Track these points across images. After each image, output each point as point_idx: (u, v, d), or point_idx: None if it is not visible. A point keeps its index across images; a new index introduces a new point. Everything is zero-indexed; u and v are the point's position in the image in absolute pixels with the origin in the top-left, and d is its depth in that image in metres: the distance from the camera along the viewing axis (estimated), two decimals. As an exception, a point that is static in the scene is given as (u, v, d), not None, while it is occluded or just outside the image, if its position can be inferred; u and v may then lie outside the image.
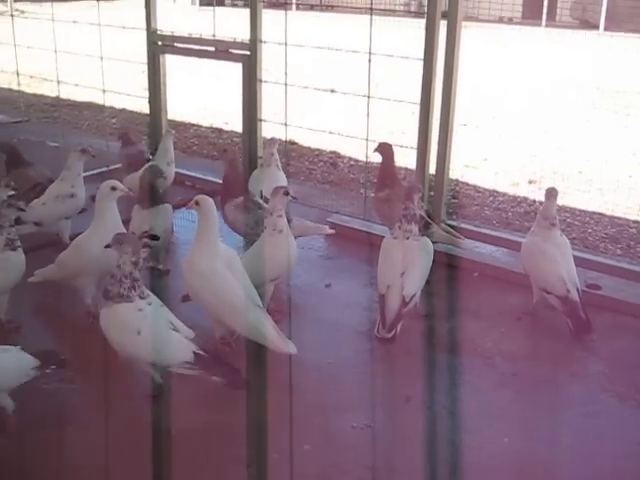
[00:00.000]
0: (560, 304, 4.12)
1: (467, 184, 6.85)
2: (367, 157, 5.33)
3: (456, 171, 6.36)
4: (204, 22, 6.31)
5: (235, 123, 8.55)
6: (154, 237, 4.33)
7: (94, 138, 7.72)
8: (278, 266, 4.07)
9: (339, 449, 3.26)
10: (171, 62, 6.28)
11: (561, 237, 4.28)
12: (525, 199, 6.62)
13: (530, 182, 7.02)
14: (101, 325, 3.48)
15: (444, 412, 3.50)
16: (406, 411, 3.52)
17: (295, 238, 4.24)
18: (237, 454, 3.18)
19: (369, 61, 5.08)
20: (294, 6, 16.72)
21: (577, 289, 4.14)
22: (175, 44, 6.05)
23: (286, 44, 5.39)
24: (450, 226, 5.04)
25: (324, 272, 4.84)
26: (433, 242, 4.29)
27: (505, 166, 7.46)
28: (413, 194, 4.09)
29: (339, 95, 5.86)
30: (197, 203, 3.70)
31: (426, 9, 4.92)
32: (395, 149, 4.98)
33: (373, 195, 5.08)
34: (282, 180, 5.24)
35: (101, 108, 9.05)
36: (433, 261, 4.17)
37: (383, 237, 4.76)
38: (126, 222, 4.37)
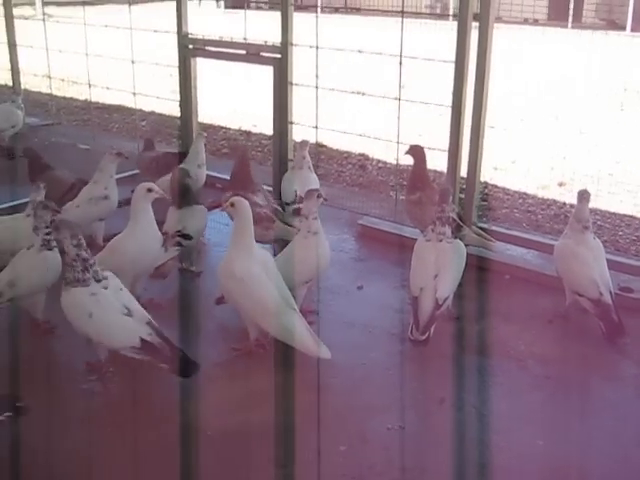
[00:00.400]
0: (593, 307, 4.11)
1: (496, 186, 6.84)
2: (398, 159, 5.34)
3: (485, 173, 6.34)
4: (229, 25, 6.37)
5: (264, 125, 8.59)
6: (187, 236, 4.40)
7: (124, 140, 7.80)
8: (312, 268, 4.09)
9: (374, 450, 3.27)
10: (199, 65, 6.33)
11: (594, 240, 4.26)
12: (555, 201, 6.60)
13: (560, 184, 7.00)
14: (62, 307, 3.62)
15: (477, 414, 3.51)
16: (440, 413, 3.53)
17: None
18: (273, 454, 3.20)
19: (400, 64, 5.09)
20: (319, 9, 16.80)
21: (610, 292, 4.12)
22: (206, 47, 6.09)
23: (317, 47, 5.42)
24: (481, 229, 5.04)
25: (355, 274, 4.85)
26: (465, 245, 4.29)
27: (534, 168, 7.43)
28: (448, 196, 4.10)
29: (366, 97, 5.88)
30: (232, 205, 3.72)
31: (457, 11, 4.91)
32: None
33: (404, 197, 5.09)
34: (314, 182, 5.28)
35: (130, 111, 9.18)
36: (465, 264, 4.18)
37: (414, 239, 4.78)
38: (160, 223, 4.42)
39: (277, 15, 5.55)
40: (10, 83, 8.90)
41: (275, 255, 4.29)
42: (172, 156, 5.92)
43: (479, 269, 4.73)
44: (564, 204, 6.50)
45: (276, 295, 3.71)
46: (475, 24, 4.80)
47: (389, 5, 21.07)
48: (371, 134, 5.78)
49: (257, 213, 4.68)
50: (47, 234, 4.01)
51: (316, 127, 5.62)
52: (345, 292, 4.61)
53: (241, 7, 22.82)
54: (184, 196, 4.65)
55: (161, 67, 6.78)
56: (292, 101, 5.69)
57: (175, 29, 6.22)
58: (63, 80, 8.15)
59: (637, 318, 4.29)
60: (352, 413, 3.51)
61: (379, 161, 7.52)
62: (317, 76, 5.49)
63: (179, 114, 6.53)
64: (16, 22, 8.40)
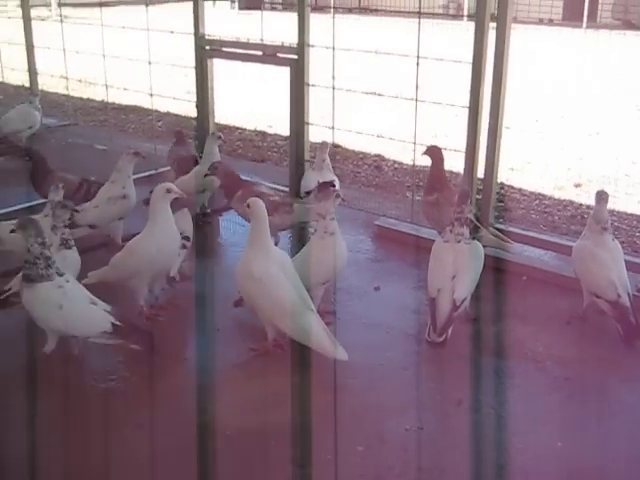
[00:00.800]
0: (610, 309, 4.09)
1: (512, 187, 6.82)
2: (414, 160, 5.34)
3: (501, 174, 6.33)
4: (244, 26, 6.38)
5: (279, 126, 8.63)
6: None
7: (141, 141, 7.83)
8: (329, 269, 4.10)
9: (392, 451, 3.27)
10: (215, 65, 6.35)
11: (613, 242, 4.25)
12: (571, 202, 6.58)
13: (576, 185, 6.98)
14: (25, 304, 3.67)
15: (495, 415, 3.50)
16: (457, 414, 3.52)
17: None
18: (291, 454, 3.21)
19: (417, 64, 5.09)
20: (333, 10, 16.79)
21: (628, 294, 4.10)
22: (222, 48, 6.11)
23: (334, 48, 5.43)
24: (498, 230, 5.03)
25: (372, 275, 4.86)
26: (482, 246, 4.29)
27: (549, 169, 7.42)
28: (466, 198, 4.10)
29: (380, 98, 5.88)
30: (248, 206, 3.73)
31: (472, 12, 4.92)
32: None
33: (421, 198, 5.08)
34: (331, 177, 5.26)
35: (147, 111, 9.23)
36: (483, 265, 4.17)
37: (431, 240, 4.78)
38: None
39: (291, 16, 5.57)
40: (27, 84, 8.98)
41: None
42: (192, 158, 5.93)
43: (496, 270, 4.72)
44: (580, 205, 6.48)
45: (294, 295, 3.72)
46: (492, 24, 4.79)
47: (402, 6, 21.11)
48: (386, 135, 5.78)
49: (272, 201, 4.74)
50: (65, 233, 4.07)
51: (332, 128, 5.62)
52: (362, 293, 4.61)
53: (255, 8, 22.92)
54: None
55: (176, 68, 6.80)
56: (309, 102, 5.70)
57: (191, 30, 6.26)
58: (80, 81, 8.18)
59: (655, 320, 4.28)
60: (370, 413, 3.51)
61: (395, 162, 7.52)
62: (333, 77, 5.49)
63: (195, 115, 6.56)
64: (32, 23, 8.46)
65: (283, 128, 8.46)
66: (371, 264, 5.05)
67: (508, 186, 6.82)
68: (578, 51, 14.96)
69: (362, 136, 6.41)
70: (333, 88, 5.52)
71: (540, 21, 21.10)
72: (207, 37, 6.18)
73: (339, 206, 4.39)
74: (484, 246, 4.35)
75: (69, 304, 3.64)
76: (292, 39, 5.66)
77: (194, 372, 3.91)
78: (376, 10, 19.21)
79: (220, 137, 5.75)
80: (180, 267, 4.48)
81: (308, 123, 5.74)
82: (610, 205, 4.36)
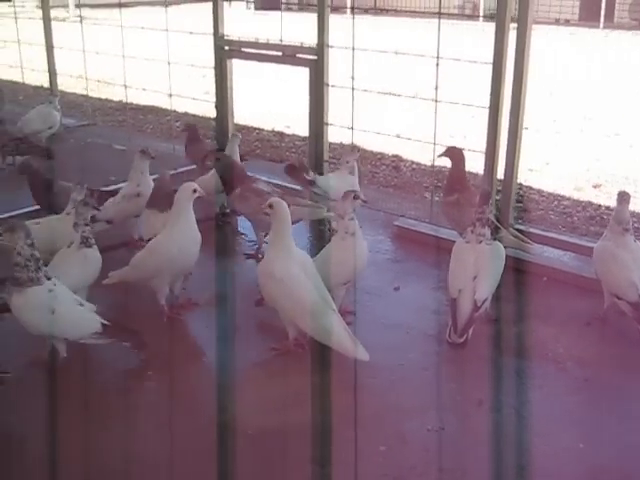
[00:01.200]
0: (631, 310, 4.08)
1: (531, 188, 6.80)
2: (433, 161, 5.34)
3: (519, 175, 6.32)
4: (260, 26, 6.40)
5: (296, 126, 8.65)
6: None
7: (159, 141, 7.87)
8: (349, 269, 4.10)
9: (414, 451, 3.28)
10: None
11: (634, 243, 4.23)
12: (590, 203, 6.56)
13: (595, 186, 6.96)
14: (14, 310, 3.64)
15: (516, 416, 3.49)
16: (479, 415, 3.52)
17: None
18: (313, 454, 3.22)
19: (437, 65, 5.09)
20: (348, 10, 16.78)
21: (649, 295, 4.10)
22: (242, 49, 6.13)
23: (353, 48, 5.44)
24: (518, 230, 5.03)
25: (392, 275, 4.86)
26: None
27: (568, 170, 7.40)
28: (488, 198, 4.10)
29: (395, 98, 5.89)
30: (271, 206, 3.74)
31: (488, 12, 4.92)
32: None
33: (441, 199, 5.08)
34: (353, 185, 5.21)
35: (164, 112, 9.27)
36: (504, 266, 4.17)
37: (450, 241, 4.79)
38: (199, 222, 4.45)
39: (307, 16, 5.58)
40: (46, 85, 9.04)
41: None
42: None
43: (516, 271, 4.71)
44: (599, 206, 6.45)
45: (315, 295, 3.73)
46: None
47: (417, 6, 21.07)
48: (404, 135, 5.79)
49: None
50: (85, 231, 4.08)
51: (352, 128, 5.63)
52: (382, 293, 4.61)
53: (270, 8, 22.95)
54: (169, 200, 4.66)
55: (194, 68, 6.82)
56: (328, 102, 5.71)
57: (208, 30, 6.30)
58: (99, 81, 8.22)
59: (677, 321, 4.26)
60: (391, 414, 3.52)
61: (413, 162, 7.52)
62: (353, 77, 5.50)
63: (214, 115, 6.59)
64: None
65: (301, 128, 8.49)
66: (391, 264, 5.05)
67: (527, 187, 6.80)
68: (595, 51, 14.91)
69: (380, 136, 6.41)
70: (353, 89, 5.52)
71: (556, 21, 21.01)
72: (226, 37, 6.20)
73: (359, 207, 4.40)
74: (504, 247, 4.34)
75: (61, 308, 3.64)
76: (308, 39, 5.68)
77: (215, 371, 3.94)
78: (392, 11, 19.21)
79: (236, 136, 5.81)
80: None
81: (327, 124, 5.75)
82: (631, 206, 4.34)
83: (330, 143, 5.93)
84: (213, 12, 6.21)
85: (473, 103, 5.07)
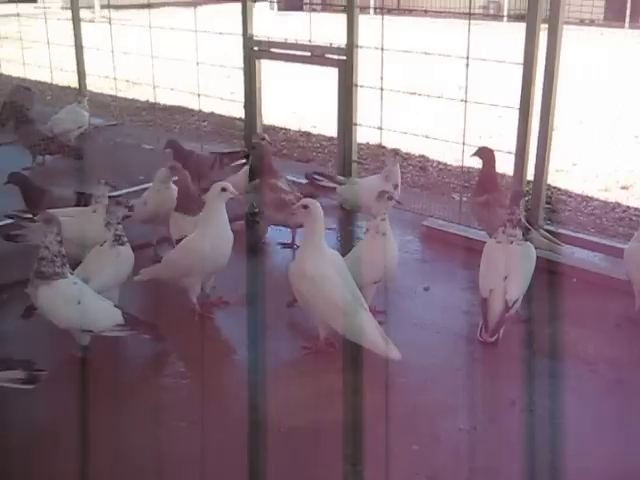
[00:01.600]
0: (663, 311, 4.07)
1: (559, 189, 6.77)
2: (463, 161, 5.34)
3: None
4: (284, 26, 6.43)
5: (323, 126, 8.67)
6: None
7: (187, 140, 7.90)
8: (380, 268, 4.11)
9: (447, 451, 3.28)
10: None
11: (667, 243, 4.22)
12: (618, 204, 6.52)
13: (623, 187, 6.93)
14: (40, 301, 3.67)
15: (549, 417, 3.49)
16: (510, 415, 3.51)
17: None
18: (345, 452, 3.22)
19: (467, 65, 5.09)
20: (372, 10, 16.77)
21: (681, 297, 4.08)
22: (271, 49, 6.16)
23: (382, 49, 5.45)
24: (547, 231, 5.01)
25: (422, 275, 4.87)
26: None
27: (596, 171, 7.37)
28: (519, 198, 4.10)
29: (419, 98, 5.89)
30: (306, 207, 3.75)
31: (512, 12, 4.92)
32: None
33: (470, 199, 5.07)
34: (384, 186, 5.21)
35: (190, 112, 9.33)
36: (534, 266, 4.17)
37: (479, 241, 4.81)
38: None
39: (330, 16, 5.60)
40: (73, 85, 9.13)
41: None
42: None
43: (546, 272, 4.69)
44: (628, 207, 6.42)
45: (347, 294, 3.74)
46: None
47: (438, 6, 21.01)
48: (429, 135, 5.79)
49: (282, 199, 4.92)
50: (118, 229, 4.11)
51: (380, 128, 5.65)
52: (412, 293, 4.62)
53: (294, 9, 22.98)
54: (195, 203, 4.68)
55: (217, 68, 6.86)
56: (357, 103, 5.73)
57: (232, 31, 6.34)
58: (128, 81, 8.28)
59: None
60: (423, 413, 3.52)
61: (439, 162, 7.51)
62: (382, 78, 5.51)
63: (240, 115, 6.62)
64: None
65: (327, 128, 8.52)
66: (420, 264, 5.05)
67: (554, 188, 6.77)
68: (621, 52, 14.81)
69: (405, 136, 6.40)
70: (381, 89, 5.54)
71: (581, 22, 20.88)
72: (255, 38, 6.23)
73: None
74: (536, 248, 4.34)
75: (86, 300, 3.70)
76: (332, 39, 5.70)
77: (246, 369, 3.95)
78: (416, 11, 19.18)
79: (264, 138, 5.81)
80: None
81: (356, 124, 5.77)
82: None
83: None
84: (242, 13, 6.26)
85: (499, 103, 5.08)
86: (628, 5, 19.94)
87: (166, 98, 9.31)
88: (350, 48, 5.59)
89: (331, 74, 5.95)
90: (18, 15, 9.44)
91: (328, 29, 5.83)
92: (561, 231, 5.17)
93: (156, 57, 7.22)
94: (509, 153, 5.05)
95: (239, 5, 6.40)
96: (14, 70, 10.23)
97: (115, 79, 7.79)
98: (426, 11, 10.20)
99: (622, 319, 4.31)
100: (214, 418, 3.47)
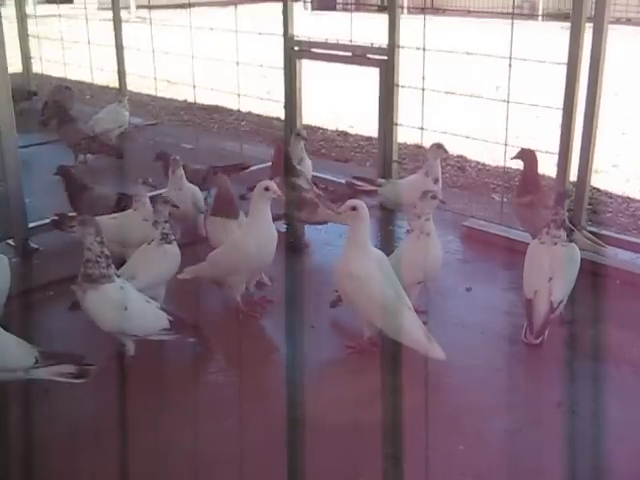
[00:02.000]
0: None
1: (599, 190, 6.72)
2: (505, 162, 5.33)
3: (587, 177, 6.28)
4: (318, 26, 6.45)
5: (360, 126, 8.69)
6: None
7: (225, 140, 7.97)
8: (424, 268, 4.13)
9: (492, 451, 3.28)
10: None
11: None
12: (660, 206, 6.47)
13: (664, 189, 6.86)
14: (87, 306, 3.68)
15: (593, 419, 3.47)
16: (555, 416, 3.50)
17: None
18: (391, 451, 3.24)
19: (509, 66, 5.07)
20: (405, 10, 16.71)
21: None
22: (312, 49, 6.19)
23: (424, 49, 5.45)
24: (590, 232, 4.98)
25: (463, 275, 4.86)
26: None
27: (636, 172, 7.30)
28: (564, 199, 4.08)
29: (455, 97, 5.89)
30: (354, 208, 3.77)
31: (547, 12, 4.90)
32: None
33: (514, 200, 5.05)
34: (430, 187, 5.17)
35: (228, 111, 9.39)
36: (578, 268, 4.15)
37: (520, 242, 4.81)
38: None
39: (364, 16, 5.61)
40: (112, 84, 9.22)
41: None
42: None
43: (590, 273, 4.66)
44: (670, 209, 6.37)
45: (392, 294, 3.75)
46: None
47: (475, 6, 20.88)
48: (468, 135, 5.79)
49: (302, 197, 4.96)
50: (165, 228, 4.17)
51: (422, 129, 5.65)
52: (454, 293, 4.62)
53: (328, 8, 23.02)
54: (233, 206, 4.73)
55: (253, 67, 6.89)
56: (398, 103, 5.73)
57: (271, 30, 6.39)
58: (169, 82, 8.35)
59: None
60: (468, 413, 3.52)
61: (478, 163, 7.49)
62: (423, 77, 5.51)
63: (277, 115, 6.65)
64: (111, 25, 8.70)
65: (364, 128, 8.54)
66: (461, 265, 5.05)
67: (594, 189, 6.72)
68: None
69: (443, 136, 6.40)
70: (423, 89, 5.53)
71: (617, 20, 20.65)
72: (296, 38, 6.26)
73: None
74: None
75: (133, 305, 3.71)
76: (366, 39, 5.70)
77: (289, 368, 3.98)
78: (450, 10, 19.09)
79: (299, 134, 5.85)
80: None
81: (397, 124, 5.78)
82: None
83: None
84: (283, 13, 6.28)
85: (538, 103, 5.06)
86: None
87: (204, 98, 9.38)
88: (391, 48, 5.60)
89: (367, 73, 5.97)
90: (60, 16, 9.55)
91: (362, 29, 5.82)
92: (603, 232, 5.13)
93: (193, 57, 7.25)
94: (550, 153, 5.03)
95: (273, 5, 6.44)
96: (54, 70, 10.35)
97: (155, 79, 7.84)
98: (469, 11, 10.09)
99: (667, 321, 4.28)
100: (257, 416, 3.50)
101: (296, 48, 6.25)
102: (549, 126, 4.98)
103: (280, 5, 6.32)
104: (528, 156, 4.87)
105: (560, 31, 5.12)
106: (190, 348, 3.95)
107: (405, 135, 6.30)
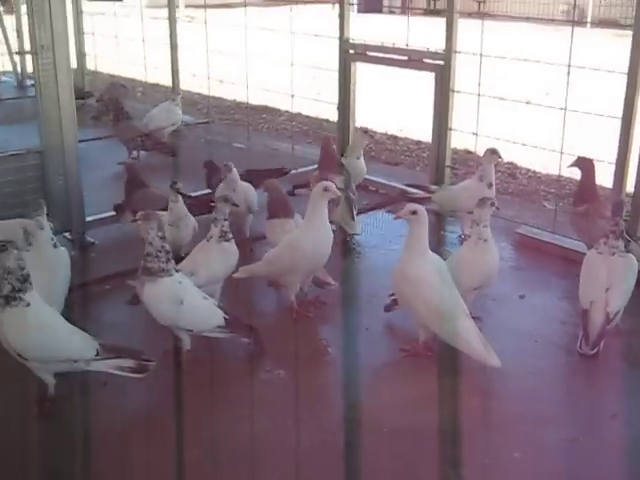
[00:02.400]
0: None
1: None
2: (560, 169, 5.30)
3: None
4: (364, 28, 6.47)
5: (409, 130, 8.69)
6: None
7: (277, 140, 8.03)
8: (481, 275, 4.13)
9: (550, 460, 3.26)
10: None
11: None
12: None
13: None
14: (146, 298, 3.73)
15: (651, 431, 3.46)
16: (612, 427, 3.49)
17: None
18: (447, 456, 3.25)
19: (568, 74, 5.04)
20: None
21: None
22: (367, 52, 6.21)
23: (481, 55, 5.45)
24: (646, 243, 4.94)
25: (517, 283, 4.84)
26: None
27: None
28: (622, 209, 4.06)
29: (504, 103, 5.86)
30: (415, 212, 3.78)
31: (593, 18, 4.86)
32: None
33: (570, 209, 5.02)
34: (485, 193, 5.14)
35: (277, 111, 9.45)
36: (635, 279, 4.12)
37: (575, 251, 4.78)
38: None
39: (411, 19, 5.64)
40: (162, 82, 9.32)
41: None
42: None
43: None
44: None
45: (449, 299, 3.76)
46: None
47: (520, 11, 20.74)
48: (522, 141, 5.77)
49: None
50: (224, 226, 4.22)
51: (476, 134, 5.64)
52: (508, 300, 4.60)
53: (374, 11, 23.01)
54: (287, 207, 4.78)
55: (302, 68, 6.92)
56: (453, 108, 5.73)
57: (323, 32, 6.44)
58: (222, 81, 8.41)
59: None
60: (524, 421, 3.51)
61: (528, 170, 7.45)
62: (479, 84, 5.50)
63: (331, 117, 6.69)
64: (161, 23, 8.79)
65: (413, 132, 8.54)
66: (515, 272, 5.03)
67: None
68: None
69: (496, 142, 6.38)
70: (479, 95, 5.53)
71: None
72: (351, 41, 6.29)
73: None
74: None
75: (190, 299, 3.76)
76: (413, 42, 5.72)
77: (343, 369, 4.00)
78: (499, 15, 18.99)
79: (367, 132, 5.89)
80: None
81: (451, 129, 5.78)
82: None
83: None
84: (339, 16, 6.33)
85: (593, 111, 5.04)
86: None
87: (253, 97, 9.46)
88: (448, 53, 5.60)
89: (415, 76, 5.96)
90: (115, 15, 9.67)
91: (409, 31, 5.82)
92: (660, 243, 5.07)
93: (241, 55, 7.29)
94: (605, 162, 4.99)
95: (321, 6, 6.48)
96: (104, 67, 10.51)
97: (209, 78, 7.92)
98: (528, 18, 10.01)
99: None
100: (312, 415, 3.53)
101: (351, 51, 6.28)
102: (602, 135, 4.93)
103: (326, 7, 6.37)
104: (585, 165, 4.84)
105: (611, 38, 5.08)
106: (245, 346, 3.97)
107: (455, 140, 6.28)
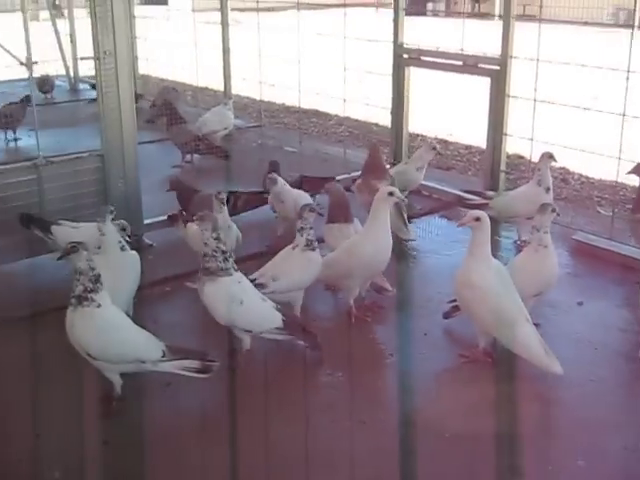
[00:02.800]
0: None
1: None
2: (618, 175, 5.27)
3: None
4: (409, 32, 6.47)
5: (459, 134, 8.66)
6: None
7: (328, 144, 8.06)
8: (542, 281, 4.13)
9: (614, 469, 3.26)
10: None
11: None
12: None
13: None
14: (205, 297, 3.78)
15: None
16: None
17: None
18: (508, 462, 3.25)
19: (627, 79, 5.01)
20: (496, 17, 16.55)
21: None
22: (421, 57, 6.22)
23: (538, 60, 5.43)
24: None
25: (574, 289, 4.81)
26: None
27: None
28: (688, 218, 4.03)
29: (556, 107, 5.84)
30: (478, 219, 3.78)
31: None
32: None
33: (630, 216, 4.99)
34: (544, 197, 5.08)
35: (326, 115, 9.48)
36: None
37: (633, 258, 4.74)
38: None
39: (454, 22, 5.62)
40: (213, 86, 9.39)
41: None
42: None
43: None
44: None
45: (511, 305, 3.77)
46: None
47: (566, 15, 20.57)
48: (574, 146, 5.75)
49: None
50: (310, 235, 4.20)
51: (531, 139, 5.62)
52: (566, 307, 4.57)
53: (417, 14, 22.95)
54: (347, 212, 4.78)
55: (349, 72, 6.93)
56: (508, 113, 5.72)
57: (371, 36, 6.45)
58: (273, 85, 8.46)
59: None
60: (586, 429, 3.49)
61: (580, 175, 7.39)
62: (535, 89, 5.49)
63: (381, 120, 6.70)
64: (207, 27, 8.86)
65: (463, 136, 8.51)
66: (572, 279, 5.00)
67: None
68: None
69: (549, 147, 6.34)
70: (534, 100, 5.51)
71: None
72: (405, 46, 6.31)
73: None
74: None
75: (248, 300, 3.79)
76: (458, 45, 5.72)
77: (403, 373, 4.01)
78: (544, 19, 18.83)
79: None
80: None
81: (506, 134, 5.77)
82: None
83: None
84: (394, 20, 6.36)
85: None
86: None
87: (302, 101, 9.50)
88: (504, 58, 5.59)
89: (465, 81, 5.94)
90: (168, 19, 9.80)
91: (454, 35, 5.82)
92: None
93: (300, 61, 7.34)
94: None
95: (365, 10, 6.50)
96: (153, 70, 10.63)
97: (260, 83, 7.98)
98: (586, 23, 9.93)
99: None
100: (370, 419, 3.55)
101: (405, 56, 6.29)
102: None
103: (372, 10, 6.40)
104: (645, 172, 4.81)
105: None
106: (303, 349, 4.01)
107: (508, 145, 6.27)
